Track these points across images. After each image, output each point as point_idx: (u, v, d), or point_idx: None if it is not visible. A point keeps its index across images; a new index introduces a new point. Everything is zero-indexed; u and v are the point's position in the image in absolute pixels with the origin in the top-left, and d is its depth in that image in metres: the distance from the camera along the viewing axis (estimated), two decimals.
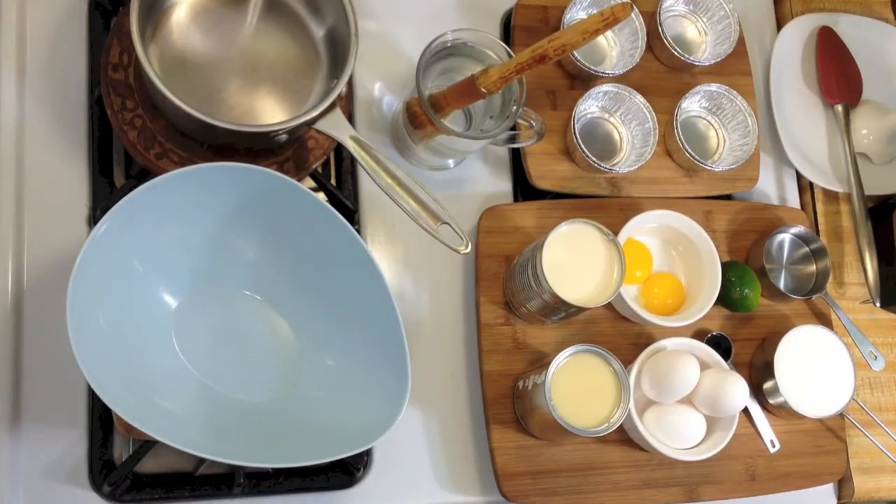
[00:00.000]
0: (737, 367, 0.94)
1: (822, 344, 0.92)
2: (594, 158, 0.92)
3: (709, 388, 0.85)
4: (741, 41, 1.03)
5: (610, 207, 0.95)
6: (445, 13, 0.99)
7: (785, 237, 0.99)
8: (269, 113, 0.84)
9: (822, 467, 0.94)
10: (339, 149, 0.93)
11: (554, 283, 0.80)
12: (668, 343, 0.89)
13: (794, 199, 1.06)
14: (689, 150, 0.95)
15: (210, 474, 0.86)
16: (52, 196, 0.85)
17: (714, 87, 0.98)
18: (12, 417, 0.80)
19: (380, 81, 0.96)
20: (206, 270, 0.81)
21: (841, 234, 1.05)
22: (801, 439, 0.94)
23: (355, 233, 0.78)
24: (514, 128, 0.89)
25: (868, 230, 1.00)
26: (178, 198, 0.75)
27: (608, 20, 0.77)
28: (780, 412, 0.93)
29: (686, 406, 0.87)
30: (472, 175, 0.96)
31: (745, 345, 0.95)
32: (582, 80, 0.98)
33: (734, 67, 1.02)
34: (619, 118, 0.98)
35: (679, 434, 0.86)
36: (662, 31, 0.98)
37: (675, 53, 0.98)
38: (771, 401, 0.92)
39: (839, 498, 0.98)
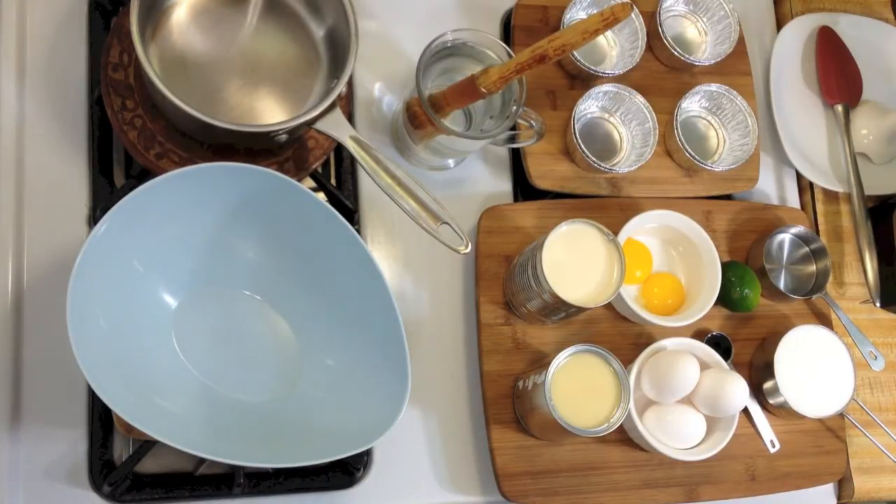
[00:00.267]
0: (737, 367, 0.94)
1: (822, 344, 0.92)
2: (594, 158, 0.92)
3: (709, 388, 0.85)
4: (741, 41, 1.03)
5: (610, 207, 0.95)
6: (445, 13, 0.99)
7: (785, 237, 0.99)
8: (269, 113, 0.84)
9: (822, 467, 0.94)
10: (339, 149, 0.93)
11: (554, 283, 0.80)
12: (668, 343, 0.89)
13: (794, 199, 1.06)
14: (689, 150, 0.95)
15: (210, 474, 0.86)
16: (52, 196, 0.85)
17: (714, 87, 0.98)
18: (12, 417, 0.80)
19: (380, 81, 0.96)
20: (206, 270, 0.81)
21: (841, 234, 1.05)
22: (801, 439, 0.94)
23: (355, 233, 0.78)
24: (514, 128, 0.89)
25: (868, 230, 1.00)
26: (178, 198, 0.75)
27: (608, 20, 0.77)
28: (780, 412, 0.93)
29: (686, 406, 0.87)
30: (472, 175, 0.96)
31: (745, 345, 0.95)
32: (582, 80, 0.98)
33: (734, 67, 1.02)
34: (619, 118, 0.98)
35: (679, 434, 0.86)
36: (662, 31, 0.98)
37: (675, 53, 0.98)
38: (771, 401, 0.92)
39: (839, 498, 0.98)
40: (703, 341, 0.91)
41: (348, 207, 0.92)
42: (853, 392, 0.91)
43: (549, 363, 0.79)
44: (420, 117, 0.85)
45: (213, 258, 0.81)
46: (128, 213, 0.71)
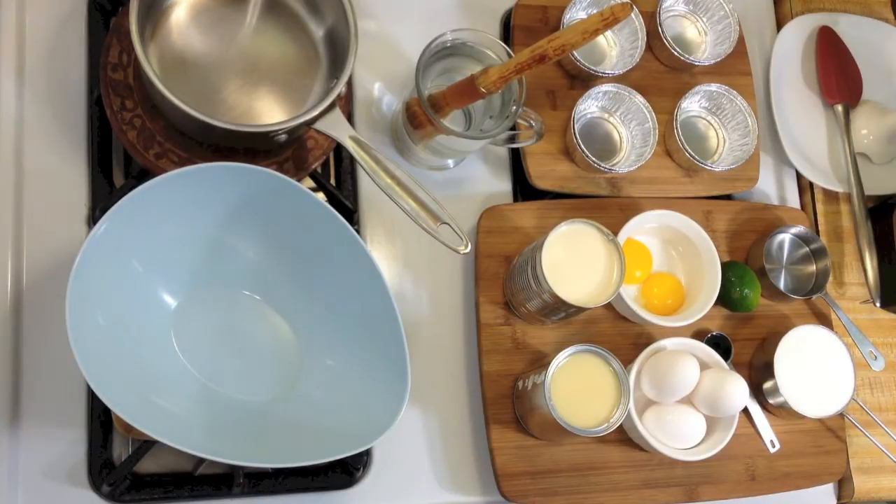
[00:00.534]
0: (737, 367, 0.94)
1: (822, 344, 0.92)
2: (594, 158, 0.92)
3: (709, 388, 0.85)
4: (741, 41, 1.03)
5: (610, 207, 0.95)
6: (445, 13, 0.99)
7: (785, 237, 0.99)
8: (269, 113, 0.84)
9: (822, 467, 0.94)
10: (339, 149, 0.93)
11: (554, 283, 0.80)
12: (667, 343, 0.89)
13: (794, 199, 1.06)
14: (689, 150, 0.95)
15: (210, 474, 0.86)
16: (51, 196, 0.85)
17: (714, 87, 0.98)
18: (12, 417, 0.80)
19: (379, 81, 0.96)
20: (205, 270, 0.81)
21: (841, 234, 1.05)
22: (801, 439, 0.94)
23: (355, 233, 0.78)
24: (513, 128, 0.89)
25: (868, 230, 1.00)
26: (177, 198, 0.75)
27: (608, 20, 0.77)
28: (780, 412, 0.93)
29: (686, 406, 0.87)
30: (472, 175, 0.96)
31: (745, 345, 0.95)
32: (582, 80, 0.98)
33: (734, 67, 1.02)
34: (618, 118, 0.98)
35: (679, 434, 0.86)
36: (662, 31, 0.98)
37: (675, 53, 0.98)
38: (771, 401, 0.92)
39: (839, 498, 0.98)
40: (703, 341, 0.91)
41: (348, 207, 0.92)
42: (853, 392, 0.91)
43: (549, 363, 0.79)
44: (420, 117, 0.85)
45: (213, 258, 0.81)
46: (127, 213, 0.71)
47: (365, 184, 0.93)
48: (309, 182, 0.91)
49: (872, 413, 0.96)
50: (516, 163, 0.97)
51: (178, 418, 0.75)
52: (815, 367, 0.91)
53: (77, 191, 0.86)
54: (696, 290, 0.92)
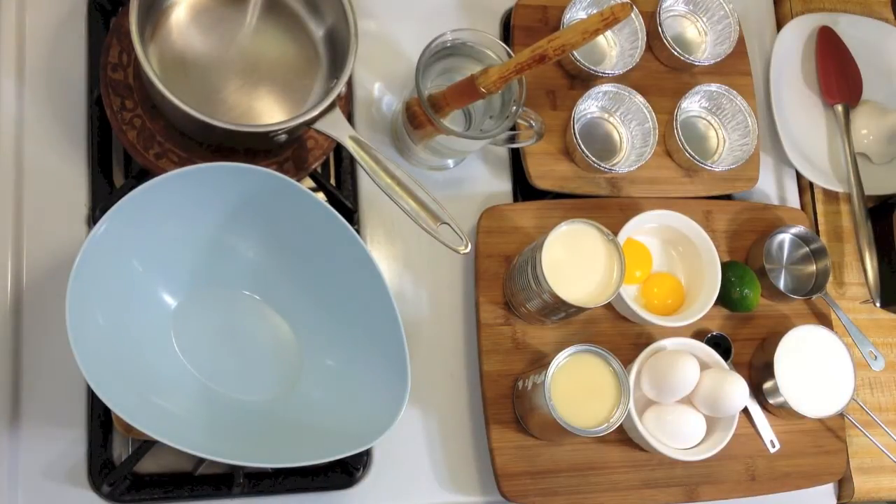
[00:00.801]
0: (737, 367, 0.94)
1: (822, 344, 0.92)
2: (594, 158, 0.92)
3: (709, 388, 0.85)
4: (741, 41, 1.03)
5: (610, 207, 0.95)
6: (445, 13, 0.99)
7: (785, 237, 0.99)
8: (269, 113, 0.84)
9: (822, 467, 0.94)
10: (339, 149, 0.93)
11: (554, 283, 0.80)
12: (667, 343, 0.89)
13: (794, 199, 1.06)
14: (689, 150, 0.95)
15: (209, 474, 0.86)
16: (51, 196, 0.85)
17: (714, 87, 0.98)
18: (12, 417, 0.80)
19: (379, 81, 0.96)
20: (205, 270, 0.81)
21: (841, 234, 1.05)
22: (801, 439, 0.94)
23: (355, 233, 0.78)
24: (513, 128, 0.89)
25: (868, 230, 1.00)
26: (177, 198, 0.75)
27: (608, 20, 0.77)
28: (780, 412, 0.93)
29: (686, 406, 0.87)
30: (472, 175, 0.96)
31: (745, 345, 0.95)
32: (582, 80, 0.98)
33: (734, 67, 1.02)
34: (618, 118, 0.98)
35: (679, 434, 0.86)
36: (662, 31, 0.98)
37: (675, 53, 0.98)
38: (771, 401, 0.92)
39: (839, 498, 0.98)
40: (703, 341, 0.91)
41: (348, 207, 0.92)
42: (853, 392, 0.91)
43: (549, 363, 0.79)
44: (420, 117, 0.85)
45: (213, 258, 0.81)
46: (127, 213, 0.71)
47: (365, 184, 0.93)
48: (309, 182, 0.91)
49: (872, 413, 0.96)
50: (516, 163, 0.97)
51: (178, 418, 0.75)
52: (815, 367, 0.91)
53: (77, 191, 0.86)
54: (696, 290, 0.92)
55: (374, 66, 0.96)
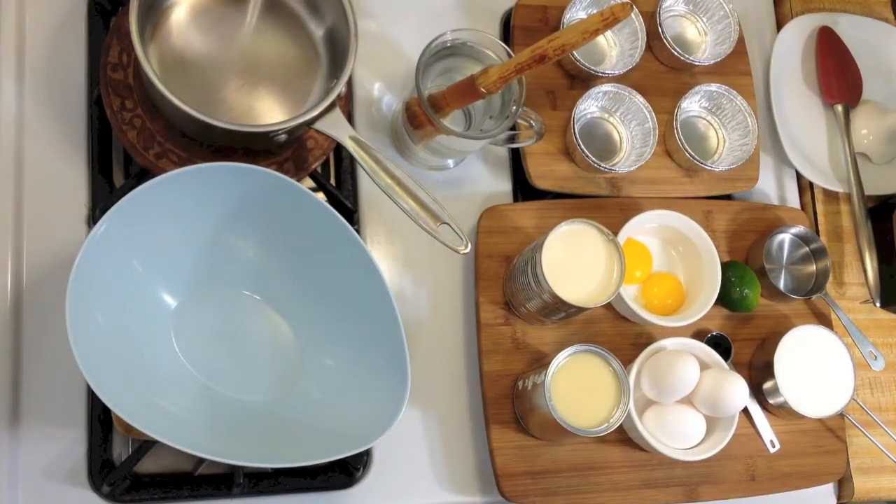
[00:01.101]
0: (737, 367, 0.94)
1: (822, 344, 0.92)
2: (594, 158, 0.92)
3: (709, 388, 0.85)
4: (741, 41, 1.03)
5: (610, 207, 0.95)
6: (445, 13, 0.99)
7: (785, 237, 0.99)
8: (269, 113, 0.84)
9: (822, 467, 0.94)
10: (339, 149, 0.93)
11: (554, 283, 0.80)
12: (667, 343, 0.89)
13: (794, 199, 1.06)
14: (689, 150, 0.95)
15: (209, 474, 0.86)
16: (51, 196, 0.85)
17: (714, 87, 0.98)
18: (12, 417, 0.80)
19: (379, 81, 0.96)
20: (205, 270, 0.81)
21: (841, 234, 1.05)
22: (801, 439, 0.94)
23: (355, 233, 0.78)
24: (513, 128, 0.89)
25: (868, 230, 1.00)
26: (177, 198, 0.75)
27: (608, 20, 0.77)
28: (780, 412, 0.93)
29: (686, 406, 0.87)
30: (472, 175, 0.96)
31: (745, 345, 0.95)
32: (582, 80, 0.98)
33: (734, 67, 1.02)
34: (618, 118, 0.98)
35: (679, 434, 0.86)
36: (662, 31, 0.98)
37: (675, 53, 0.98)
38: (771, 401, 0.92)
39: (839, 498, 0.98)
40: (702, 341, 0.91)
41: (348, 207, 0.92)
42: (853, 392, 0.91)
43: (549, 363, 0.79)
44: (420, 117, 0.85)
45: (213, 258, 0.81)
46: (127, 213, 0.71)
47: (365, 184, 0.93)
48: (309, 182, 0.91)
49: (872, 413, 0.96)
50: (516, 163, 0.97)
51: (178, 418, 0.75)
52: (815, 367, 0.91)
53: (77, 191, 0.86)
54: (696, 290, 0.92)
55: (374, 66, 0.96)
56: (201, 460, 0.86)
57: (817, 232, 1.04)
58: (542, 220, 0.93)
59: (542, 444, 0.87)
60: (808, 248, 0.99)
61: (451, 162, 0.95)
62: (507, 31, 1.00)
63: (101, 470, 0.81)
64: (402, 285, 0.91)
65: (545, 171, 0.95)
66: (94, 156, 0.87)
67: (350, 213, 0.92)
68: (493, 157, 0.97)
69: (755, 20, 1.10)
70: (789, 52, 1.08)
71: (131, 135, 0.83)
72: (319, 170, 0.89)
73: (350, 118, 0.93)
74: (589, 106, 0.97)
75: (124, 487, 0.82)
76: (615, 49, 1.01)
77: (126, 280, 0.76)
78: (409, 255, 0.92)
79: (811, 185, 1.06)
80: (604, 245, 0.84)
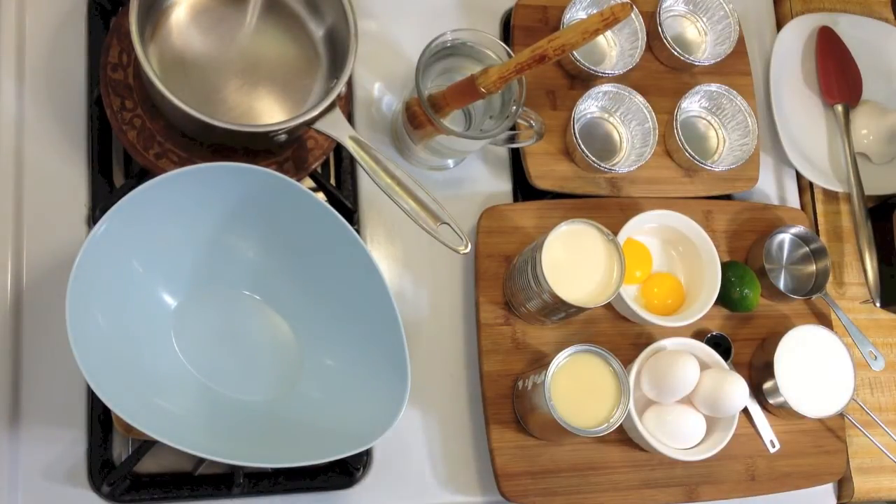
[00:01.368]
0: (737, 367, 0.94)
1: (822, 344, 0.92)
2: (594, 158, 0.92)
3: (709, 388, 0.85)
4: (741, 41, 1.03)
5: (610, 207, 0.95)
6: (445, 13, 0.99)
7: (785, 237, 0.99)
8: (269, 113, 0.84)
9: (822, 467, 0.94)
10: (339, 149, 0.93)
11: (554, 283, 0.80)
12: (667, 343, 0.89)
13: (794, 199, 1.06)
14: (689, 150, 0.95)
15: (209, 474, 0.86)
16: (51, 196, 0.85)
17: (714, 87, 0.98)
18: (12, 417, 0.80)
19: (379, 81, 0.96)
20: (205, 270, 0.81)
21: (841, 234, 1.05)
22: (801, 439, 0.94)
23: (355, 233, 0.78)
24: (513, 128, 0.89)
25: (868, 230, 1.00)
26: (177, 198, 0.75)
27: (608, 20, 0.77)
28: (780, 412, 0.93)
29: (686, 406, 0.87)
30: (472, 175, 0.96)
31: (745, 345, 0.95)
32: (582, 80, 0.98)
33: (734, 67, 1.02)
34: (618, 118, 0.98)
35: (679, 434, 0.86)
36: (662, 31, 0.98)
37: (675, 53, 0.98)
38: (771, 401, 0.92)
39: (839, 498, 0.98)
40: (703, 341, 0.91)
41: (348, 207, 0.92)
42: (853, 392, 0.91)
43: (549, 363, 0.79)
44: (420, 117, 0.85)
45: (213, 258, 0.81)
46: (127, 213, 0.71)
47: (365, 184, 0.93)
48: (309, 182, 0.91)
49: (872, 413, 0.96)
50: (516, 163, 0.97)
51: (178, 418, 0.75)
52: (815, 367, 0.91)
53: (77, 191, 0.86)
54: (696, 290, 0.92)
55: (374, 66, 0.96)
56: (201, 460, 0.86)
57: (817, 232, 1.04)
58: (542, 220, 0.93)
59: (542, 444, 0.87)
60: (808, 248, 0.99)
61: (451, 162, 0.95)
62: (507, 31, 1.00)
63: (101, 470, 0.81)
64: (402, 285, 0.91)
65: (545, 171, 0.95)
66: (94, 156, 0.87)
67: (350, 213, 0.92)
68: (493, 157, 0.97)
69: (755, 20, 1.10)
70: (789, 52, 1.08)
71: (131, 135, 0.83)
72: (319, 170, 0.89)
73: (350, 118, 0.93)
74: (589, 106, 0.97)
75: (124, 487, 0.82)
76: (615, 49, 1.01)
77: (126, 280, 0.76)
78: (409, 255, 0.92)
79: (811, 185, 1.06)
80: (604, 245, 0.84)
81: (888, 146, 1.06)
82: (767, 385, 0.92)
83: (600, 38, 1.01)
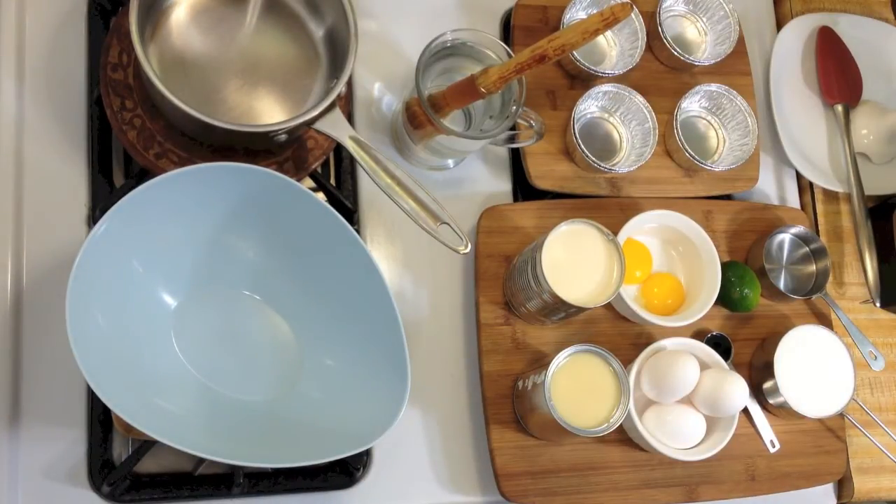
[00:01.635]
0: (737, 367, 0.94)
1: (822, 344, 0.92)
2: (594, 158, 0.92)
3: (709, 388, 0.85)
4: (741, 41, 1.03)
5: (610, 207, 0.95)
6: (445, 13, 0.99)
7: (785, 237, 0.99)
8: (269, 113, 0.84)
9: (822, 467, 0.94)
10: (339, 149, 0.93)
11: (554, 283, 0.80)
12: (667, 343, 0.89)
13: (794, 199, 1.06)
14: (689, 150, 0.95)
15: (209, 474, 0.86)
16: (51, 196, 0.85)
17: (714, 87, 0.98)
18: (12, 417, 0.80)
19: (379, 81, 0.96)
20: (205, 270, 0.81)
21: (841, 234, 1.05)
22: (801, 439, 0.94)
23: (355, 233, 0.78)
24: (513, 128, 0.89)
25: (868, 230, 1.00)
26: (177, 198, 0.75)
27: (608, 20, 0.77)
28: (780, 412, 0.93)
29: (686, 406, 0.87)
30: (472, 175, 0.96)
31: (745, 345, 0.95)
32: (582, 80, 0.98)
33: (734, 67, 1.02)
34: (618, 118, 0.98)
35: (679, 434, 0.86)
36: (662, 31, 0.98)
37: (675, 53, 0.98)
38: (771, 401, 0.92)
39: (839, 498, 0.98)
40: (702, 341, 0.91)
41: (348, 207, 0.92)
42: (853, 392, 0.91)
43: (549, 363, 0.79)
44: (420, 117, 0.85)
45: (213, 258, 0.81)
46: (127, 213, 0.71)
47: (365, 184, 0.93)
48: (309, 182, 0.91)
49: (872, 413, 0.96)
50: (516, 163, 0.97)
51: (178, 418, 0.75)
52: (815, 367, 0.91)
53: (77, 191, 0.86)
54: (696, 290, 0.92)
55: (374, 66, 0.96)
56: (201, 460, 0.86)
57: (817, 232, 1.04)
58: (542, 220, 0.93)
59: (542, 444, 0.87)
60: (808, 248, 0.99)
61: (451, 162, 0.95)
62: (507, 31, 1.00)
63: (101, 470, 0.81)
64: (402, 285, 0.91)
65: (545, 171, 0.95)
66: (94, 156, 0.87)
67: (350, 213, 0.92)
68: (493, 157, 0.97)
69: (755, 20, 1.10)
70: (789, 52, 1.08)
71: (131, 135, 0.83)
72: (319, 170, 0.89)
73: (350, 118, 0.93)
74: (589, 106, 0.97)
75: (124, 487, 0.82)
76: (615, 49, 1.01)
77: (126, 280, 0.76)
78: (409, 255, 0.92)
79: (811, 185, 1.06)
80: (604, 245, 0.84)
81: (888, 146, 1.06)
82: (767, 385, 0.92)
83: (600, 38, 1.01)
